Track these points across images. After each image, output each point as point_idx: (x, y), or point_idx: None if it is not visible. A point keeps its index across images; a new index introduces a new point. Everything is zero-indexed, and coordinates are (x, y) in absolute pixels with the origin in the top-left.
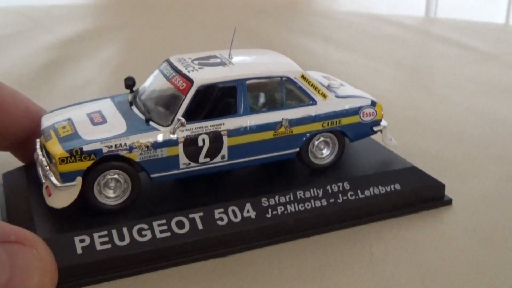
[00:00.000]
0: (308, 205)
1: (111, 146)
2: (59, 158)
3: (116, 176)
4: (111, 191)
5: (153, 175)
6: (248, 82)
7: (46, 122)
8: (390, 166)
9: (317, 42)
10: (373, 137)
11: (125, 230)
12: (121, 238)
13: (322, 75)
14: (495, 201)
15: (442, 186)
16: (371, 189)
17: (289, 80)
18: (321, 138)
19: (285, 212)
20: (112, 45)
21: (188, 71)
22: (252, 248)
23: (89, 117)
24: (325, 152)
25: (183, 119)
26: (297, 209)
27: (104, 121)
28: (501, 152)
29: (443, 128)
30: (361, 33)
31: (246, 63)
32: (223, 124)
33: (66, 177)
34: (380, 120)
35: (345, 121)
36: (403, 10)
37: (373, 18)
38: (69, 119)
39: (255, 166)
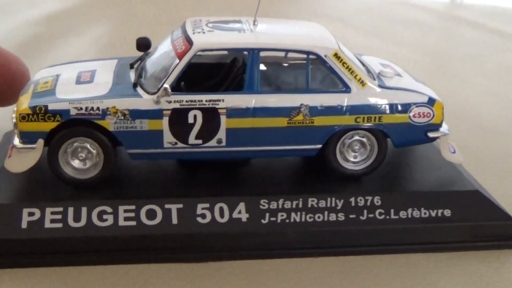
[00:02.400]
0: (319, 217)
1: (81, 108)
2: (19, 114)
3: (86, 145)
4: (79, 162)
5: (130, 151)
6: (262, 53)
7: (37, 76)
8: (445, 185)
9: (335, 26)
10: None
11: (84, 210)
12: (77, 218)
13: (380, 62)
14: None
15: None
16: (409, 210)
17: (318, 57)
18: (356, 137)
19: (287, 220)
20: (103, 21)
21: (194, 33)
22: (235, 258)
23: (78, 75)
24: (360, 155)
25: (168, 87)
26: (303, 220)
27: (90, 80)
28: None
29: (484, 122)
30: (382, 18)
31: (269, 32)
32: (223, 100)
33: (26, 138)
34: (439, 125)
35: (388, 119)
36: None
37: (394, 2)
38: (57, 75)
39: (260, 159)
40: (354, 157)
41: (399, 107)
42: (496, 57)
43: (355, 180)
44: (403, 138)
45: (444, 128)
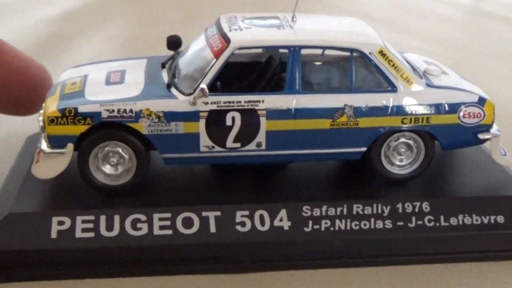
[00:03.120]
0: (365, 225)
1: (113, 111)
2: (48, 117)
3: (118, 149)
4: (111, 167)
5: (164, 155)
6: (304, 51)
7: (63, 76)
8: (497, 190)
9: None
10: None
11: (116, 218)
12: (109, 227)
13: (424, 59)
14: None
15: None
16: (460, 217)
17: (362, 55)
18: (402, 139)
19: (332, 228)
20: (121, 19)
21: (230, 30)
22: (277, 268)
23: (107, 76)
24: (406, 158)
25: (205, 87)
26: (349, 228)
27: (121, 81)
28: None
29: None
30: (409, 12)
31: (309, 28)
32: (263, 101)
33: (55, 142)
34: (490, 126)
35: (436, 119)
36: None
37: None
38: (85, 76)
39: (303, 163)
40: (400, 160)
41: (448, 107)
42: None
43: (401, 185)
44: (452, 140)
45: (494, 129)
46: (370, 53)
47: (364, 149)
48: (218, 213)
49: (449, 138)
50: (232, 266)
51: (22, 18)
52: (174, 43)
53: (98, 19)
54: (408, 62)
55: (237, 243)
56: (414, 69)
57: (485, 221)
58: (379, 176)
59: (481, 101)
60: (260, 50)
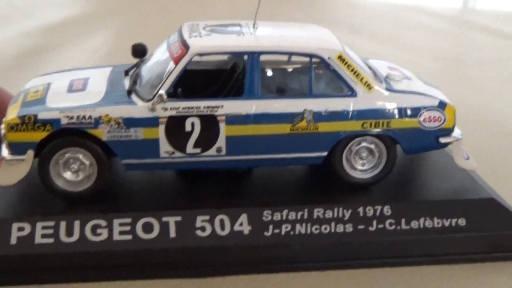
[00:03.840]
0: (325, 229)
1: (72, 117)
2: (8, 124)
3: (79, 156)
4: (72, 174)
5: (125, 161)
6: (263, 56)
7: (28, 85)
8: (459, 193)
9: (344, 33)
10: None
11: (76, 224)
12: (69, 233)
13: (388, 65)
14: None
15: None
16: (421, 220)
17: (321, 60)
18: (363, 144)
19: (292, 232)
20: (100, 33)
21: (190, 37)
22: (237, 272)
23: (70, 84)
24: (367, 163)
25: (163, 93)
26: (309, 232)
27: (83, 88)
28: None
29: (501, 128)
30: (393, 24)
31: (270, 35)
32: (222, 106)
33: (15, 149)
34: (451, 129)
35: (397, 124)
36: (438, 0)
37: (406, 8)
38: (48, 84)
39: (264, 168)
40: (361, 164)
41: (408, 111)
42: (506, 62)
43: (363, 189)
44: (414, 144)
45: (456, 133)
46: (329, 58)
47: (324, 153)
48: (179, 218)
49: (411, 142)
50: (192, 271)
51: (2, 31)
52: (139, 51)
53: (79, 31)
54: (369, 68)
55: (197, 248)
56: (375, 74)
57: (446, 224)
58: (341, 180)
59: (442, 105)
60: (225, 57)
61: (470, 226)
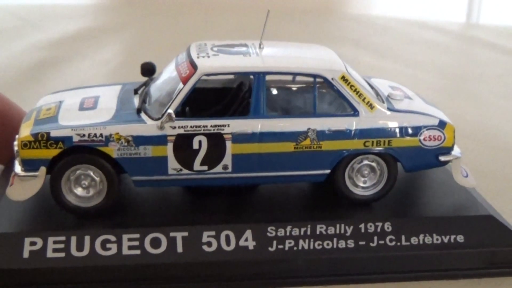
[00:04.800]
0: (328, 244)
1: (84, 135)
2: (21, 142)
3: (90, 172)
4: (83, 190)
5: (134, 178)
6: (269, 77)
7: (40, 102)
8: (458, 210)
9: (348, 48)
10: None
11: (87, 239)
12: (80, 247)
13: (390, 84)
14: None
15: None
16: (420, 236)
17: (325, 80)
18: (365, 162)
19: (295, 248)
20: (109, 47)
21: (198, 57)
22: (242, 287)
23: (81, 101)
24: (369, 180)
25: (172, 112)
26: (312, 247)
27: (94, 107)
28: None
29: (502, 144)
30: (397, 38)
31: (275, 55)
32: (228, 125)
33: (28, 165)
34: (451, 148)
35: (398, 142)
36: (442, 15)
37: (410, 23)
38: (60, 102)
39: (268, 185)
40: (363, 182)
41: (409, 130)
42: (509, 78)
43: (365, 206)
44: (414, 162)
45: (456, 151)
46: (332, 78)
47: (327, 171)
48: (186, 234)
49: (411, 160)
50: (198, 285)
51: (13, 44)
52: (148, 69)
53: (89, 44)
54: (371, 87)
55: (203, 263)
56: (377, 94)
57: (445, 240)
58: (343, 197)
59: (442, 125)
60: (232, 77)
61: (469, 243)
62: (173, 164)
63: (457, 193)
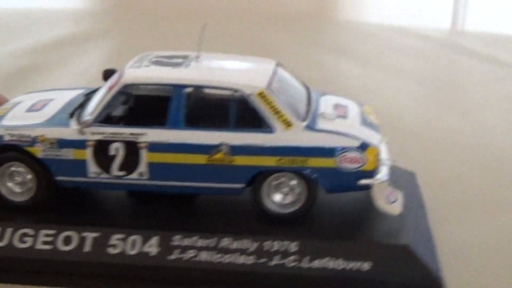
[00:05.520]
0: (228, 258)
1: (13, 135)
2: None
3: (22, 170)
4: (15, 185)
5: (57, 178)
6: (188, 90)
7: (10, 101)
8: (375, 236)
9: (330, 55)
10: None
11: (9, 231)
12: (0, 238)
13: (337, 102)
14: None
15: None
16: (325, 259)
17: (242, 95)
18: (282, 179)
19: (194, 258)
20: (92, 53)
21: (131, 67)
22: None
23: (33, 103)
24: (288, 198)
25: (89, 119)
26: (211, 259)
27: (40, 109)
28: None
29: (478, 154)
30: (380, 46)
31: (204, 68)
32: (145, 134)
33: None
34: (372, 172)
35: (314, 162)
36: (426, 22)
37: (394, 29)
38: (19, 102)
39: (189, 194)
40: (282, 199)
41: (326, 151)
42: (494, 86)
43: (283, 223)
44: (332, 184)
45: (380, 175)
46: (249, 94)
47: (241, 185)
48: (97, 235)
49: (329, 181)
50: (93, 284)
51: None
52: (109, 76)
53: (69, 52)
54: (290, 105)
55: (105, 264)
56: (307, 111)
57: (349, 266)
58: (263, 213)
59: (363, 147)
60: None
61: (374, 272)
62: (92, 167)
63: (389, 218)
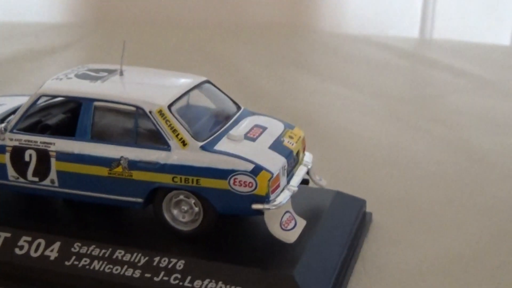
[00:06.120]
0: (116, 270)
1: None
2: None
3: None
4: None
5: None
6: (97, 103)
7: None
8: (263, 262)
9: (290, 67)
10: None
11: None
12: None
13: (257, 124)
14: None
15: None
16: (206, 281)
17: (143, 112)
18: (181, 196)
19: (87, 266)
20: (50, 69)
21: (56, 79)
22: None
23: None
24: (187, 216)
25: (3, 126)
26: (101, 269)
27: None
28: (487, 201)
29: (418, 171)
30: (337, 57)
31: (118, 83)
32: (54, 144)
33: None
34: (265, 197)
35: (207, 183)
36: (393, 31)
37: (354, 39)
38: None
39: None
40: (182, 217)
41: (219, 172)
42: (449, 98)
43: (183, 242)
44: (226, 206)
45: (278, 202)
46: (150, 111)
47: (140, 200)
48: (9, 235)
49: (222, 203)
50: (4, 282)
51: None
52: None
53: (24, 67)
54: (194, 124)
55: (11, 264)
56: (211, 131)
57: None
58: (164, 229)
59: (256, 171)
60: None
61: None
62: (11, 171)
63: (290, 246)
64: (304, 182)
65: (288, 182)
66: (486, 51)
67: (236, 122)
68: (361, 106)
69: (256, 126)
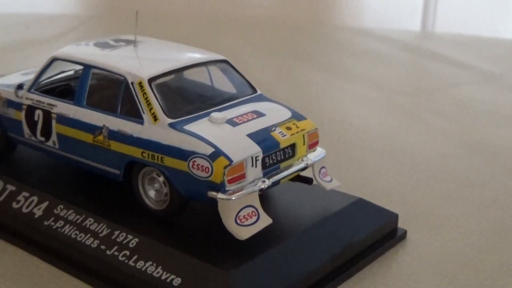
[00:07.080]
0: (80, 237)
1: None
2: None
3: None
4: None
5: (9, 134)
6: (95, 71)
7: None
8: (206, 255)
9: (284, 59)
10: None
11: None
12: None
13: (257, 109)
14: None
15: None
16: (148, 263)
17: (126, 82)
18: (154, 174)
19: (59, 229)
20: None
21: (75, 45)
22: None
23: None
24: (158, 195)
25: (18, 84)
26: (69, 233)
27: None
28: (491, 195)
29: (421, 165)
30: (338, 49)
31: (123, 53)
32: (56, 106)
33: None
34: (220, 185)
35: (170, 162)
36: (395, 24)
37: (355, 31)
38: None
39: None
40: (154, 195)
41: (180, 152)
42: (452, 91)
43: (156, 220)
44: (185, 188)
45: (237, 192)
46: (132, 82)
47: (118, 172)
48: (13, 188)
49: (182, 185)
50: None
51: None
52: None
53: (18, 56)
54: (175, 101)
55: (5, 214)
56: (197, 109)
57: (162, 277)
58: (139, 205)
59: (213, 156)
60: None
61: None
62: (26, 129)
63: (252, 245)
64: (307, 181)
65: (270, 175)
66: (488, 44)
67: (236, 105)
68: (362, 99)
69: (253, 112)
